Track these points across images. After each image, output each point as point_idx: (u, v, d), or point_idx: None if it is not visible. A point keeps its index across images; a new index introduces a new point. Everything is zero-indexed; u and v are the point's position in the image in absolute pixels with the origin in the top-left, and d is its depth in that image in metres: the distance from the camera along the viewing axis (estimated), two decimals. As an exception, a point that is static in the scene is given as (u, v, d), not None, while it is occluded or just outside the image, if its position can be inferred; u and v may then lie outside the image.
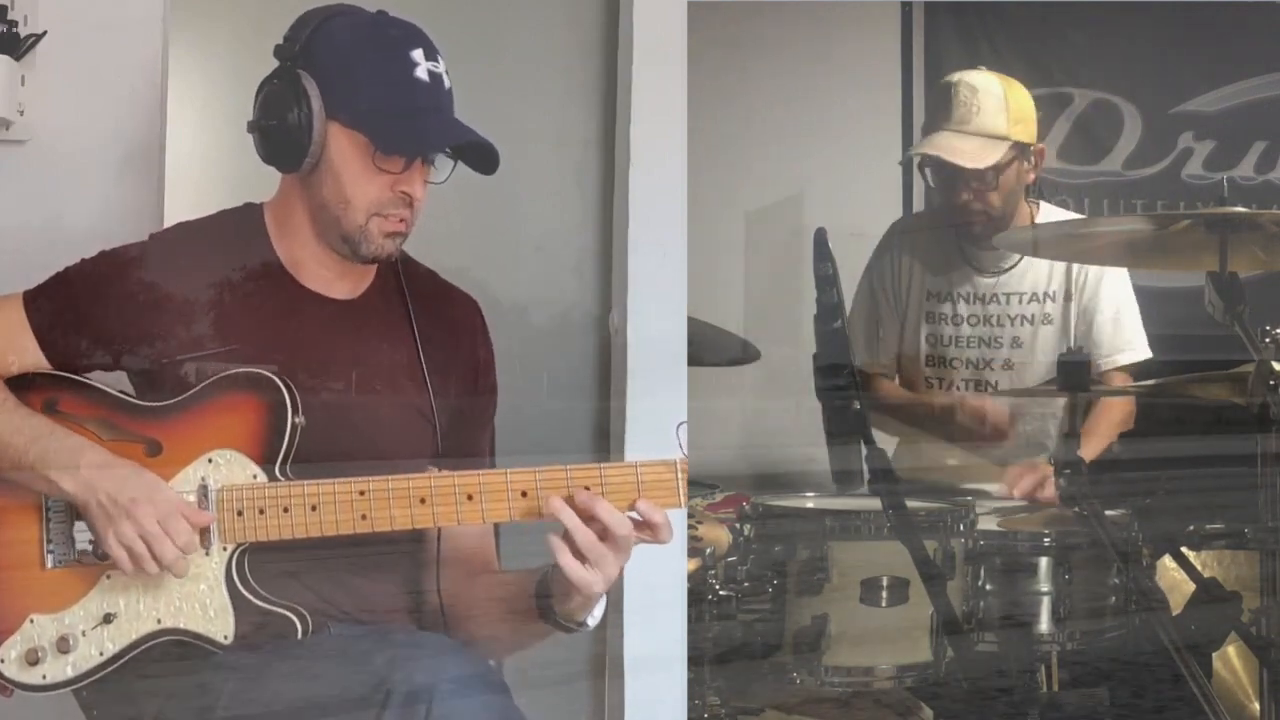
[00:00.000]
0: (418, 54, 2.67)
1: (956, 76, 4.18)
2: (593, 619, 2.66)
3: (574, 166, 3.81)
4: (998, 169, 4.08)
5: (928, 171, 4.20)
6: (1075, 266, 4.15)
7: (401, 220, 2.71)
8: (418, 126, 2.68)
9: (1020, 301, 4.19)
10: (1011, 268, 4.19)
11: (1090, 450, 3.78)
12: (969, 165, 4.06)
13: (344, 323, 2.77)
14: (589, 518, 2.49)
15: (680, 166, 3.65)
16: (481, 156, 2.71)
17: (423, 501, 2.53)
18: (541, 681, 3.21)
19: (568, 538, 2.50)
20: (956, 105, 4.10)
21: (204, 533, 2.55)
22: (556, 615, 2.63)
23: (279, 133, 2.68)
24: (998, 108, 4.12)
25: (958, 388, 4.23)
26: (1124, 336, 4.16)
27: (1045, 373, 4.14)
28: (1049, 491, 3.80)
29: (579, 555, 2.50)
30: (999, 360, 4.19)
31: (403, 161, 2.67)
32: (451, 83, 2.72)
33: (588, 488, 2.52)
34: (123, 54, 3.36)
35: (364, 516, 2.52)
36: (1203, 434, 3.74)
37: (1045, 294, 4.17)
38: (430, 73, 2.67)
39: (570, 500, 2.50)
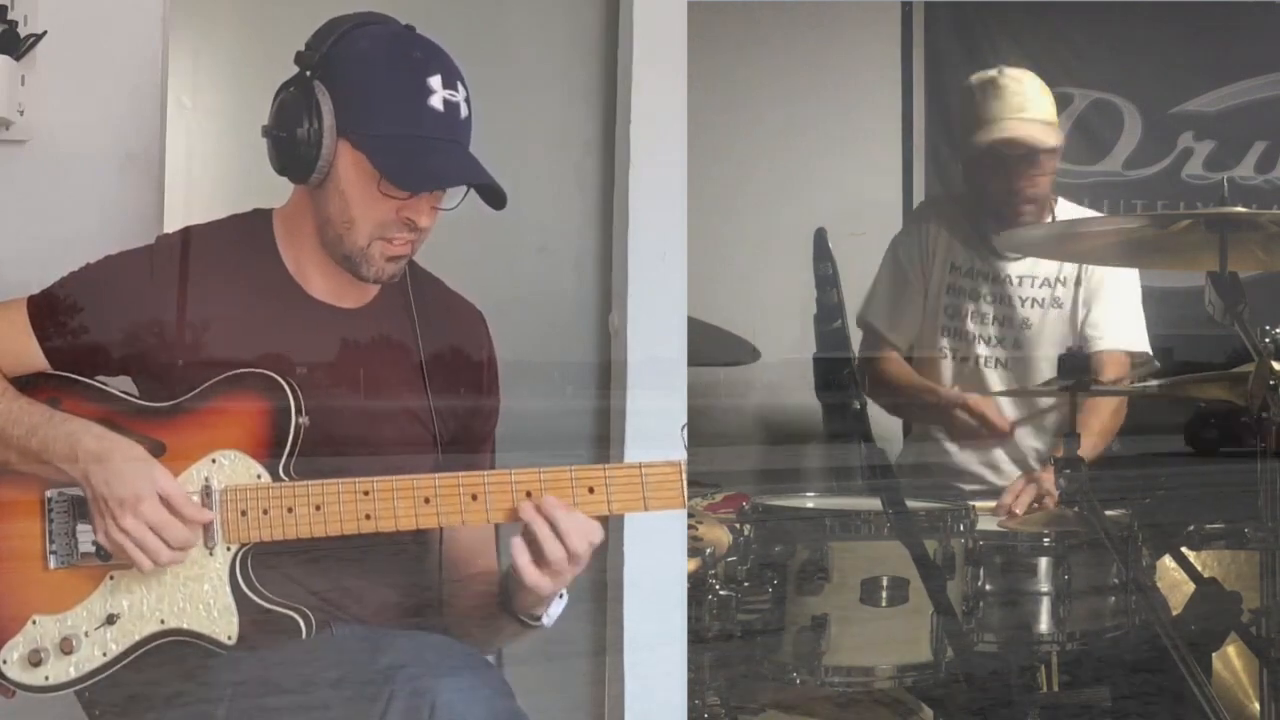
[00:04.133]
0: (435, 81, 2.62)
1: (993, 72, 4.27)
2: (548, 617, 2.67)
3: (574, 166, 3.80)
4: (1055, 154, 4.21)
5: (979, 162, 4.24)
6: (1081, 292, 4.23)
7: (406, 244, 2.69)
8: (423, 162, 2.63)
9: (1033, 285, 4.24)
10: (1027, 255, 4.24)
11: (1085, 450, 3.79)
12: (1050, 144, 4.18)
13: (348, 332, 2.77)
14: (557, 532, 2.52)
15: (680, 166, 3.65)
16: (489, 192, 2.67)
17: (427, 501, 2.53)
18: (542, 678, 3.21)
19: (533, 544, 2.52)
20: (1009, 95, 4.19)
21: (207, 531, 2.55)
22: (515, 610, 2.66)
23: (289, 144, 2.65)
24: (1044, 97, 4.24)
25: (970, 361, 4.27)
26: (1120, 321, 4.19)
27: (1049, 355, 4.19)
28: (1050, 502, 3.82)
29: (540, 561, 2.52)
30: (1009, 340, 4.23)
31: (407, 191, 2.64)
32: (471, 110, 2.67)
33: (591, 489, 2.53)
34: (123, 54, 3.35)
35: (368, 516, 2.53)
36: (1202, 434, 3.74)
37: (1058, 279, 4.22)
38: (446, 102, 2.63)
39: (541, 509, 2.52)
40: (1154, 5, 5.20)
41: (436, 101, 2.62)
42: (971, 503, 3.71)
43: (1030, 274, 4.24)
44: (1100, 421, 4.03)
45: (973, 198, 4.33)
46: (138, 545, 2.50)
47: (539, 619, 2.67)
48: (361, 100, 2.64)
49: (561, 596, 2.66)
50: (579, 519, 2.53)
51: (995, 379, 4.27)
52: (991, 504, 3.87)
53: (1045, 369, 4.19)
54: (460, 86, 2.66)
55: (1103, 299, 4.21)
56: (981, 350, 4.26)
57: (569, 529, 2.52)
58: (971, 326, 4.27)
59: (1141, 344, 4.21)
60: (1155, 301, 4.57)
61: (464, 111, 2.66)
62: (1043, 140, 4.16)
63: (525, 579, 2.53)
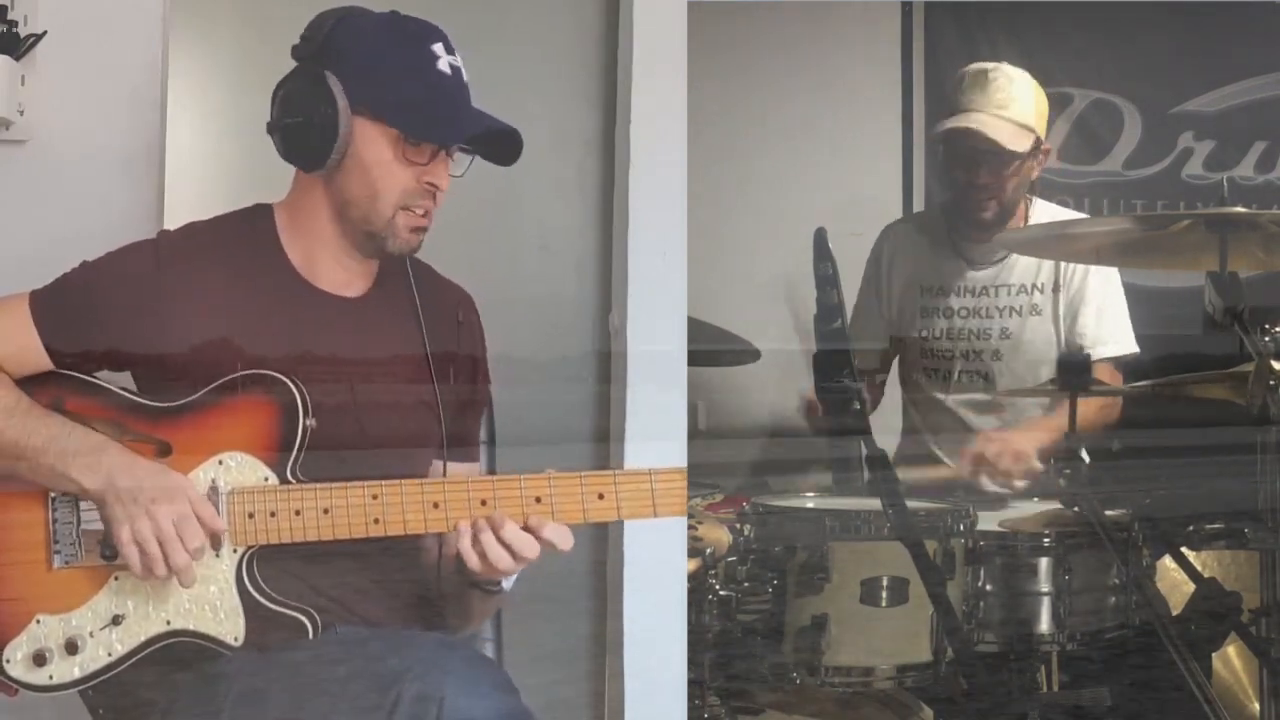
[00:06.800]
0: (438, 47, 2.70)
1: (990, 65, 4.25)
2: (507, 581, 2.69)
3: (574, 166, 3.81)
4: (1022, 158, 4.16)
5: (947, 149, 4.25)
6: (1061, 276, 4.22)
7: (425, 214, 2.73)
8: (446, 115, 2.69)
9: (1009, 293, 4.23)
10: (1001, 260, 4.25)
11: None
12: (1010, 146, 4.14)
13: (354, 320, 2.78)
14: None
15: (680, 166, 3.66)
16: (502, 148, 2.73)
17: (436, 506, 2.54)
18: (542, 677, 3.21)
19: (477, 546, 2.55)
20: (994, 90, 4.18)
21: (214, 534, 2.54)
22: (472, 579, 2.68)
23: (302, 131, 2.68)
24: (1029, 100, 4.21)
25: (951, 377, 4.28)
26: (1108, 329, 4.20)
27: (1033, 362, 4.21)
28: (1019, 463, 3.86)
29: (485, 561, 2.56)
30: (989, 351, 4.24)
31: (429, 152, 2.69)
32: (469, 79, 2.74)
33: (601, 495, 2.55)
34: (123, 54, 3.36)
35: (376, 520, 2.53)
36: (1202, 433, 3.74)
37: (1034, 285, 4.22)
38: (451, 66, 2.70)
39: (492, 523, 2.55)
40: (1154, 5, 5.21)
41: (444, 65, 2.70)
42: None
43: (1005, 282, 4.24)
44: (1086, 417, 4.05)
45: (944, 187, 4.37)
46: (160, 539, 2.50)
47: (498, 584, 2.70)
48: (370, 73, 2.68)
49: None
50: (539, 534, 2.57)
51: (974, 387, 4.28)
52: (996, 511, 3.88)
53: (1028, 378, 4.22)
54: (457, 54, 2.74)
55: (1088, 305, 4.20)
56: (960, 365, 4.27)
57: (521, 545, 2.55)
58: (947, 343, 4.28)
59: (1129, 345, 4.22)
60: (1155, 302, 4.59)
61: (465, 76, 2.74)
62: (1008, 141, 4.13)
63: (471, 565, 2.58)
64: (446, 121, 2.70)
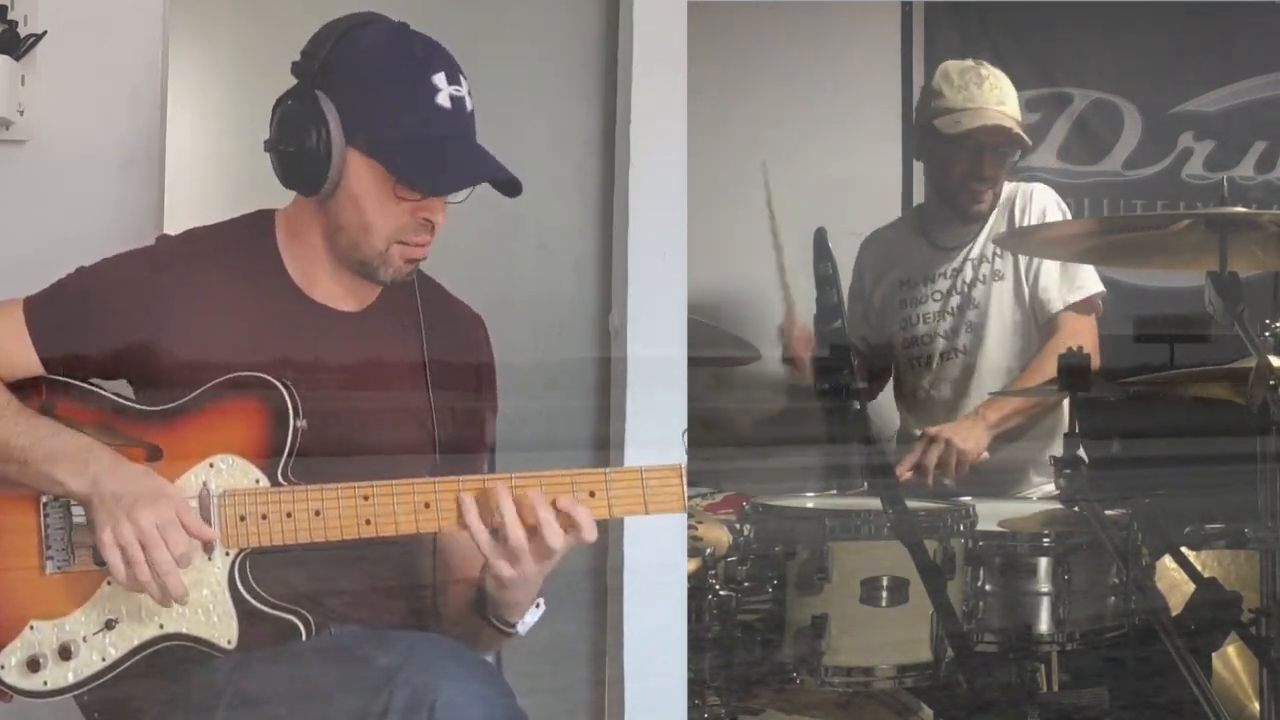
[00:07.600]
0: (439, 78, 2.61)
1: (973, 62, 4.34)
2: (523, 625, 2.67)
3: (574, 166, 3.81)
4: (1025, 148, 4.33)
5: (953, 145, 4.28)
6: (1017, 221, 4.27)
7: (421, 245, 2.68)
8: (438, 162, 2.61)
9: (973, 266, 4.27)
10: (969, 242, 4.31)
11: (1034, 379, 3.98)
12: (1026, 140, 4.31)
13: (351, 335, 2.75)
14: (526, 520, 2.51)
15: (680, 166, 3.66)
16: (504, 183, 2.66)
17: (427, 506, 2.52)
18: (542, 679, 3.21)
19: (499, 535, 2.51)
20: (989, 87, 4.26)
21: (203, 542, 2.54)
22: (489, 614, 2.65)
23: (296, 158, 2.62)
24: (1014, 94, 4.32)
25: (932, 360, 4.34)
26: (1069, 276, 4.22)
27: (1005, 328, 4.27)
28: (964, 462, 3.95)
29: (506, 552, 2.52)
30: (963, 326, 4.29)
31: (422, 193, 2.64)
32: (474, 104, 2.66)
33: (592, 493, 2.52)
34: (123, 54, 3.37)
35: (368, 521, 2.51)
36: (1202, 432, 3.74)
37: (995, 252, 4.27)
38: (452, 98, 2.61)
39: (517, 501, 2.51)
40: (1154, 5, 5.21)
41: (443, 99, 2.61)
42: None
43: (970, 256, 4.30)
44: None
45: (933, 183, 4.44)
46: (143, 542, 2.47)
47: (513, 626, 2.67)
48: (367, 107, 2.62)
49: (539, 606, 2.66)
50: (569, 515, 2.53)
51: (955, 368, 4.32)
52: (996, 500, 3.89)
53: (995, 344, 4.27)
54: (462, 80, 2.65)
55: (1047, 260, 4.26)
56: (940, 346, 4.29)
57: (547, 519, 2.51)
58: (925, 328, 4.30)
59: (1091, 286, 4.24)
60: (1155, 302, 4.59)
61: (469, 105, 2.65)
62: (1021, 134, 4.25)
63: (492, 563, 2.53)
64: (438, 170, 2.61)
